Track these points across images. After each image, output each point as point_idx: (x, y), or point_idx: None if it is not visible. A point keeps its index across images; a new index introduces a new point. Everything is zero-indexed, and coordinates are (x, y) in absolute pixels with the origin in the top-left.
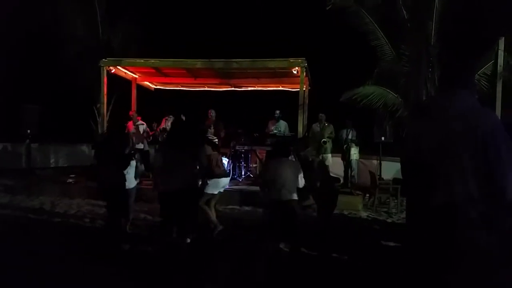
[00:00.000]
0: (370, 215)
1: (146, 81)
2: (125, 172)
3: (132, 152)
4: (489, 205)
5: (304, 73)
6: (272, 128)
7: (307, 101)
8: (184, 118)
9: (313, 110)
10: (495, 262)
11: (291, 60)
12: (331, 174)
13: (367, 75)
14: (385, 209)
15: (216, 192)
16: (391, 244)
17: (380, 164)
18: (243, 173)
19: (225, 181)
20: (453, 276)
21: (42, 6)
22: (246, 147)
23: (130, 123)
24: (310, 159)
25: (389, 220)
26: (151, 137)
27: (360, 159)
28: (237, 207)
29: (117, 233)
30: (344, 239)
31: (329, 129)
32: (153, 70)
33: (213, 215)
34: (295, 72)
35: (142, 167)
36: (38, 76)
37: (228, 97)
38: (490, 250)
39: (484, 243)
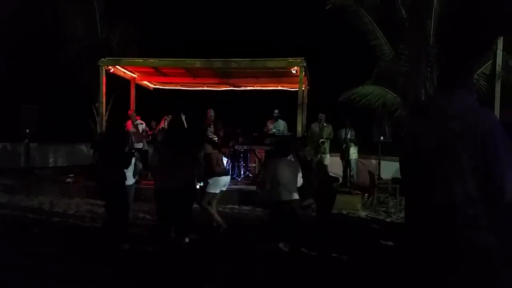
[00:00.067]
0: (369, 215)
1: (145, 81)
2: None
3: (133, 151)
4: (488, 205)
5: (303, 72)
6: (271, 127)
7: (306, 101)
8: (184, 117)
9: (312, 109)
10: (495, 262)
11: (290, 59)
12: (330, 174)
13: (366, 75)
14: (384, 209)
15: (217, 191)
16: (390, 243)
17: (379, 163)
18: (242, 173)
19: (226, 180)
20: (452, 276)
21: (41, 6)
22: (245, 147)
23: (129, 123)
24: (309, 159)
25: (388, 220)
26: (150, 137)
27: (359, 159)
28: (236, 206)
29: (116, 233)
30: (343, 239)
31: (328, 130)
32: (152, 70)
33: (216, 214)
34: (294, 71)
35: (140, 165)
36: (37, 76)
37: (227, 96)
38: (490, 250)
39: (483, 243)
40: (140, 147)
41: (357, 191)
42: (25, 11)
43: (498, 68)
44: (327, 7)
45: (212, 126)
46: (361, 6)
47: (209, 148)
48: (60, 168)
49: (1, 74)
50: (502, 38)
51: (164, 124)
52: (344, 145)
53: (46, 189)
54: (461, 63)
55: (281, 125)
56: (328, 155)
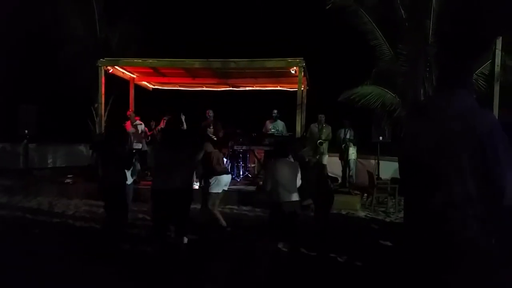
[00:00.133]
0: (368, 215)
1: (144, 81)
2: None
3: (134, 151)
4: (488, 205)
5: (302, 73)
6: (270, 127)
7: (305, 101)
8: (184, 117)
9: (311, 110)
10: (495, 262)
11: (289, 60)
12: (329, 174)
13: (365, 75)
14: (383, 209)
15: (220, 191)
16: (389, 243)
17: (378, 163)
18: (241, 173)
19: (227, 179)
20: (452, 276)
21: (40, 6)
22: (244, 147)
23: (128, 123)
24: (307, 159)
25: (387, 220)
26: (149, 137)
27: (358, 159)
28: (236, 207)
29: (115, 233)
30: (343, 239)
31: (327, 131)
32: (151, 70)
33: (221, 216)
34: (293, 72)
35: (138, 165)
36: (36, 76)
37: (226, 97)
38: (490, 250)
39: (483, 243)
40: (140, 147)
41: (356, 191)
42: (24, 11)
43: (497, 68)
44: (327, 7)
45: (211, 127)
46: (360, 6)
47: (209, 147)
48: (59, 168)
49: (0, 74)
50: (501, 38)
51: (163, 124)
52: (343, 145)
53: (45, 190)
54: (460, 63)
55: (280, 125)
56: (327, 155)
